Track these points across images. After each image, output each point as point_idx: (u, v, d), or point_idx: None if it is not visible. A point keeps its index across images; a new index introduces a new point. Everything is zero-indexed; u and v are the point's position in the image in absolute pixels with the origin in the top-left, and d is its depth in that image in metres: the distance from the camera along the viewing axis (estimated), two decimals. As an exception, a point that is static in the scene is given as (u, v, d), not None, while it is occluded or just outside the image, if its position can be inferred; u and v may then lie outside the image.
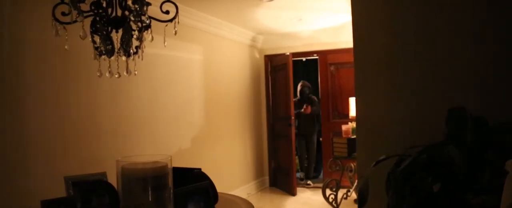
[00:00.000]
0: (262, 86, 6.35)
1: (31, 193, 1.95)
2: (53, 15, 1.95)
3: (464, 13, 1.93)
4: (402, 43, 2.26)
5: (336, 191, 4.17)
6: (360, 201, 1.85)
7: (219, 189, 5.25)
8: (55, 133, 2.85)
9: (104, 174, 2.26)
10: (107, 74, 2.12)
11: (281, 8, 4.62)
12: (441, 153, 1.80)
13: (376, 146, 2.31)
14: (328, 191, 4.20)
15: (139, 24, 1.97)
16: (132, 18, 1.87)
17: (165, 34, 2.21)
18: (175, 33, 2.14)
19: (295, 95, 6.52)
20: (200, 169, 2.29)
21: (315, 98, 6.58)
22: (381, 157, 2.13)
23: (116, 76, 2.09)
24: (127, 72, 2.16)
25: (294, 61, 5.86)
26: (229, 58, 5.48)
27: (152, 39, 2.19)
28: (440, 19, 2.01)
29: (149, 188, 2.06)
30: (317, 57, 6.15)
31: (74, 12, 1.79)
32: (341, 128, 4.58)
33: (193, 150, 4.53)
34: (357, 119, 2.67)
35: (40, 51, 2.73)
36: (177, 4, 4.22)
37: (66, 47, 2.02)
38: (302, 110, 6.34)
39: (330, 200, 4.18)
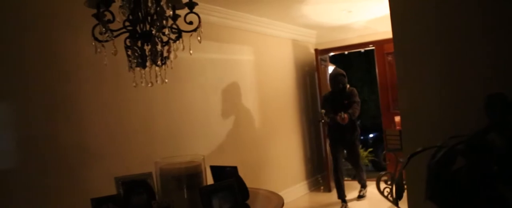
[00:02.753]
0: (316, 81, 6.36)
1: (90, 193, 2.22)
2: (93, 34, 2.20)
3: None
4: (443, 32, 2.23)
5: (392, 184, 4.09)
6: (397, 194, 1.88)
7: (274, 186, 5.43)
8: (111, 136, 3.18)
9: (149, 174, 2.47)
10: (142, 84, 2.34)
11: (326, 3, 4.63)
12: (481, 141, 1.78)
13: (421, 137, 2.29)
14: (382, 185, 4.13)
15: (164, 37, 2.16)
16: (154, 33, 2.05)
17: (193, 40, 2.36)
18: (200, 41, 2.28)
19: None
20: (235, 167, 2.42)
21: (355, 91, 5.06)
22: (418, 149, 2.14)
23: (149, 85, 2.31)
24: (161, 81, 2.36)
25: (352, 53, 5.82)
26: (280, 55, 5.58)
27: (183, 48, 2.35)
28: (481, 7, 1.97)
29: (184, 187, 2.26)
30: (373, 48, 6.03)
31: (108, 33, 2.03)
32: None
33: (247, 148, 4.71)
34: (401, 111, 2.66)
35: (95, 65, 3.06)
36: (225, 8, 4.43)
37: (105, 62, 2.27)
38: (338, 118, 4.81)
39: (386, 194, 4.11)
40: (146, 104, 3.52)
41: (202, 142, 4.12)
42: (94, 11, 2.04)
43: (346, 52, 6.88)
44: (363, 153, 6.92)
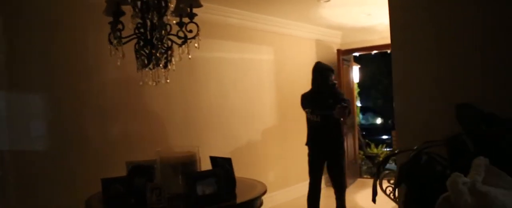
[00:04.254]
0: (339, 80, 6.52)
1: (108, 175, 2.59)
2: (109, 40, 2.59)
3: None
4: (440, 39, 2.48)
5: (395, 184, 4.25)
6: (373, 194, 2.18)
7: (289, 179, 5.72)
8: (129, 126, 3.61)
9: (154, 161, 2.82)
10: (150, 82, 2.71)
11: (344, 5, 4.82)
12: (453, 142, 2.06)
13: (412, 140, 2.52)
14: (385, 183, 4.30)
15: (165, 44, 2.51)
16: (155, 42, 2.41)
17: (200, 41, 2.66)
18: (198, 47, 2.60)
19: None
20: (228, 158, 2.73)
21: (342, 93, 4.28)
22: (396, 151, 2.41)
23: (154, 84, 2.67)
24: (164, 80, 2.71)
25: (378, 54, 5.96)
26: (302, 55, 5.81)
27: (188, 52, 2.68)
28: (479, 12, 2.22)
29: (179, 173, 2.60)
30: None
31: (116, 40, 2.42)
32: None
33: (262, 142, 5.03)
34: (396, 114, 2.93)
35: (117, 66, 3.48)
36: (244, 11, 4.74)
37: (118, 63, 2.65)
38: (336, 110, 3.78)
39: (388, 192, 4.28)
40: (164, 99, 3.92)
41: (218, 136, 4.47)
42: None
43: (372, 53, 7.00)
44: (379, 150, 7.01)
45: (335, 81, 4.23)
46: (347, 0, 4.57)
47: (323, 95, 4.07)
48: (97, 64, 3.43)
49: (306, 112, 4.16)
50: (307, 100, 4.20)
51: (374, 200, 2.42)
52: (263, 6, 4.63)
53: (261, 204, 2.54)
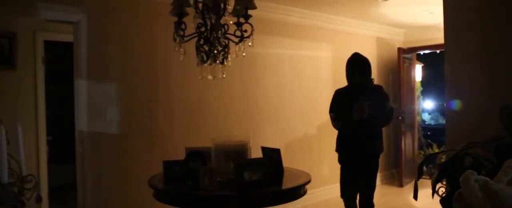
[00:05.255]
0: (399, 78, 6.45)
1: (172, 157, 2.92)
2: (173, 38, 2.89)
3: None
4: (494, 40, 2.55)
5: (432, 182, 4.20)
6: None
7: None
8: (192, 114, 3.96)
9: (210, 148, 3.09)
10: (209, 77, 2.98)
11: (405, 5, 4.80)
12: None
13: (461, 140, 2.60)
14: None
15: (222, 43, 2.76)
16: (212, 40, 2.67)
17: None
18: (252, 45, 2.81)
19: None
20: (277, 149, 2.94)
21: (384, 90, 3.60)
22: (434, 152, 2.52)
23: (211, 78, 2.93)
24: (221, 76, 2.97)
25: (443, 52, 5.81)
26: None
27: (244, 50, 2.90)
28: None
29: (231, 159, 2.85)
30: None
31: (178, 38, 2.71)
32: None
33: (318, 136, 5.17)
34: (447, 115, 3.01)
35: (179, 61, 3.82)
36: (304, 10, 4.89)
37: (181, 58, 2.95)
38: (355, 110, 3.26)
39: (441, 193, 4.25)
40: (223, 91, 4.21)
41: (274, 128, 4.70)
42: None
43: (437, 52, 6.82)
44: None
45: (372, 77, 3.61)
46: (402, 1, 4.56)
47: (354, 93, 3.41)
48: (163, 59, 3.79)
49: (331, 116, 3.67)
50: (335, 101, 3.69)
51: (415, 197, 2.53)
52: (323, 5, 4.75)
53: (305, 192, 2.71)
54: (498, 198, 1.41)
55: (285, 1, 4.55)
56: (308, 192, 2.81)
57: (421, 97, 7.35)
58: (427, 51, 6.68)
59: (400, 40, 6.49)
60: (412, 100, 6.29)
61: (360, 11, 5.10)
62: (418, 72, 6.78)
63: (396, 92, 6.28)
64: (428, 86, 9.00)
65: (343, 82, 5.64)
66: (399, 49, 6.08)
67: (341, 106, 3.54)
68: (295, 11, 4.82)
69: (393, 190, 5.87)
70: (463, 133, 2.80)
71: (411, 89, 6.35)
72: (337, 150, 3.69)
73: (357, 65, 3.58)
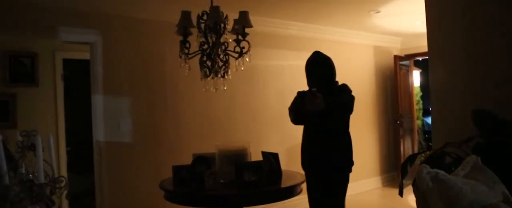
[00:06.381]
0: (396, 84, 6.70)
1: (181, 163, 3.24)
2: (179, 55, 3.23)
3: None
4: (477, 44, 2.88)
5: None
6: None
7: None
8: (198, 124, 4.28)
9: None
10: (212, 89, 3.31)
11: (395, 15, 5.09)
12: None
13: (446, 137, 2.88)
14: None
15: (223, 58, 3.09)
16: (212, 57, 3.00)
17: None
18: (249, 60, 3.14)
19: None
20: (275, 154, 3.25)
21: (347, 87, 3.22)
22: (415, 153, 2.85)
23: (214, 90, 3.26)
24: (223, 88, 3.29)
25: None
26: (358, 61, 6.14)
27: (243, 64, 3.22)
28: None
29: (232, 163, 3.15)
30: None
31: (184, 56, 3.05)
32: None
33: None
34: (432, 118, 3.34)
35: (188, 75, 4.17)
36: (301, 23, 5.18)
37: (186, 73, 3.28)
38: (307, 103, 2.81)
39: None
40: (226, 102, 4.54)
41: (275, 135, 5.01)
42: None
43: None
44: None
45: (334, 79, 3.27)
46: (398, 10, 4.85)
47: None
48: (170, 74, 4.14)
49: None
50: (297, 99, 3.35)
51: (400, 194, 2.84)
52: (319, 17, 5.06)
53: (300, 191, 3.00)
54: (445, 186, 1.70)
55: (283, 16, 4.87)
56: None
57: (421, 101, 7.58)
58: (425, 57, 6.94)
59: (397, 47, 6.77)
60: (410, 105, 6.55)
61: (355, 22, 5.40)
62: (416, 77, 7.05)
63: (393, 97, 6.56)
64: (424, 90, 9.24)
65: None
66: (395, 56, 6.36)
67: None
68: (293, 24, 5.14)
69: (393, 192, 6.10)
70: (445, 133, 3.11)
71: (409, 94, 6.62)
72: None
73: (315, 66, 3.24)
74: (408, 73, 6.64)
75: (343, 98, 3.05)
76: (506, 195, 1.80)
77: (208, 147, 3.44)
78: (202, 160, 3.19)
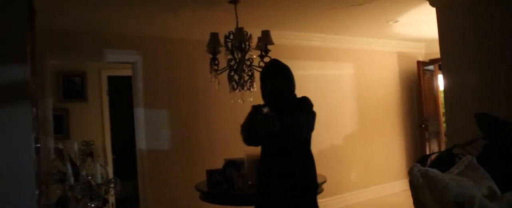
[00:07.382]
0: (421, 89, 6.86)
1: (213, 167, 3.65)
2: (210, 71, 3.63)
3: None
4: (487, 50, 3.16)
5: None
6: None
7: (368, 181, 6.42)
8: (229, 132, 4.64)
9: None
10: (239, 101, 3.69)
11: (413, 24, 5.30)
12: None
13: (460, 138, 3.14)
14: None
15: (248, 72, 3.47)
16: (239, 72, 3.38)
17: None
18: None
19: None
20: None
21: (307, 101, 2.75)
22: (426, 154, 3.15)
23: (241, 102, 3.63)
24: (249, 99, 3.66)
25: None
26: (382, 67, 6.37)
27: None
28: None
29: (259, 166, 3.49)
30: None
31: (213, 71, 3.46)
32: None
33: (344, 146, 5.74)
34: (446, 121, 3.60)
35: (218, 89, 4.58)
36: (324, 34, 5.51)
37: (216, 87, 3.68)
38: (257, 126, 2.41)
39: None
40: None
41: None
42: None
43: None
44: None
45: (292, 91, 2.82)
46: (416, 20, 5.08)
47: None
48: (202, 88, 4.57)
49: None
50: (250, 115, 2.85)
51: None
52: (341, 28, 5.35)
53: (322, 190, 3.32)
54: (434, 182, 1.99)
55: (306, 29, 5.20)
56: (338, 196, 3.41)
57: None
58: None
59: (422, 53, 6.94)
60: (435, 109, 6.68)
61: (377, 31, 5.64)
62: (440, 81, 7.18)
63: (418, 101, 6.74)
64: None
65: (367, 94, 6.23)
66: (419, 62, 6.55)
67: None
68: (316, 36, 5.46)
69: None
70: (458, 136, 3.36)
71: (434, 98, 6.74)
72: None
73: (269, 77, 2.72)
74: (432, 77, 6.79)
75: (301, 116, 2.59)
76: (492, 190, 2.05)
77: (237, 153, 3.79)
78: (232, 164, 3.57)
